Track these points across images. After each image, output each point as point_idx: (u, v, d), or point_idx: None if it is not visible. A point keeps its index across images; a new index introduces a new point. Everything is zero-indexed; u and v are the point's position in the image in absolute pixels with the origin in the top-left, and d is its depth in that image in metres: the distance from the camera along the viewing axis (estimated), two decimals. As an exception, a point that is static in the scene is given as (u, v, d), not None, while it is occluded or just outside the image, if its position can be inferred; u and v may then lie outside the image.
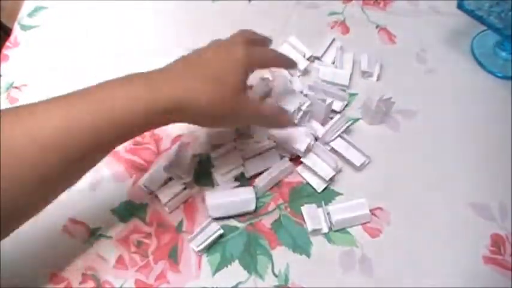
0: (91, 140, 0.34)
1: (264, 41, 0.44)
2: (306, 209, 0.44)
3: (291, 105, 0.45)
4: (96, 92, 0.35)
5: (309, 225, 0.43)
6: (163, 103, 0.35)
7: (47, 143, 0.32)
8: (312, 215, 0.43)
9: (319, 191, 0.45)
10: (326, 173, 0.45)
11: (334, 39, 0.55)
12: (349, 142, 0.47)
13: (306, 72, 0.53)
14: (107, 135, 0.34)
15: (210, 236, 0.42)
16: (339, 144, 0.47)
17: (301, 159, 0.45)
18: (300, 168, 0.46)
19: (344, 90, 0.51)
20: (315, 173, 0.45)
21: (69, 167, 0.34)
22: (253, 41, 0.42)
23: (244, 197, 0.44)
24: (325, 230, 0.43)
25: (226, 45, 0.39)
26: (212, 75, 0.37)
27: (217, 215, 0.43)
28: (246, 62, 0.38)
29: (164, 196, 0.44)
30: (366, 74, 0.53)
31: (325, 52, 0.54)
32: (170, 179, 0.46)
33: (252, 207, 0.44)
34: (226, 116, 0.38)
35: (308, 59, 0.54)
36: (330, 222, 0.43)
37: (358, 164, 0.46)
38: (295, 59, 0.52)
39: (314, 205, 0.44)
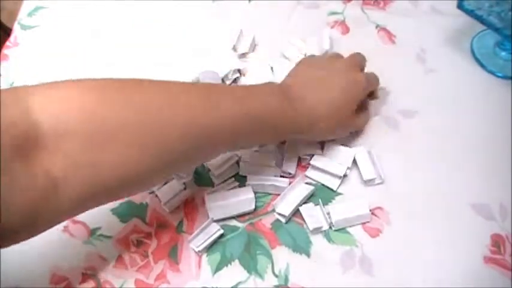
0: (229, 141, 0.38)
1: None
2: (305, 209, 0.44)
3: None
4: (259, 94, 0.39)
5: (309, 224, 0.42)
6: (300, 123, 0.40)
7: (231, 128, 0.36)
8: (311, 214, 0.43)
9: (334, 189, 0.45)
10: (339, 170, 0.45)
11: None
12: (371, 156, 0.46)
13: None
14: (245, 139, 0.39)
15: (210, 236, 0.42)
16: (360, 152, 0.46)
17: (310, 162, 0.45)
18: (309, 173, 0.46)
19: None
20: (326, 172, 0.45)
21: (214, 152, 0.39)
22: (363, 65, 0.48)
23: (244, 197, 0.44)
24: (326, 227, 0.43)
25: (347, 69, 0.44)
26: (335, 102, 0.41)
27: (218, 216, 0.43)
28: (366, 87, 0.44)
29: (164, 196, 0.44)
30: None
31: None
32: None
33: (252, 207, 0.44)
34: (343, 132, 0.45)
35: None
36: (330, 221, 0.43)
37: (365, 178, 0.45)
38: (297, 58, 0.52)
39: (311, 204, 0.44)
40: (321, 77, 0.43)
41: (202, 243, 0.42)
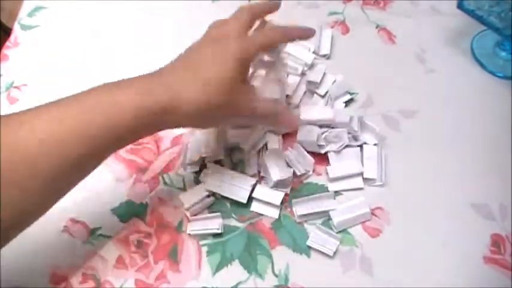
0: (83, 147, 0.33)
1: (267, 9, 0.42)
2: (314, 238, 0.42)
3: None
4: (84, 99, 0.35)
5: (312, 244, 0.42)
6: (150, 106, 0.34)
7: (38, 153, 0.32)
8: (321, 243, 0.42)
9: (362, 186, 0.45)
10: (357, 168, 0.45)
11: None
12: (380, 155, 0.46)
13: (312, 66, 0.53)
14: (98, 141, 0.34)
15: (208, 229, 0.42)
16: (370, 150, 0.46)
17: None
18: (332, 186, 0.46)
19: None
20: (347, 177, 0.45)
21: (63, 174, 0.34)
22: (253, 19, 0.40)
23: (241, 186, 0.44)
24: (331, 254, 0.42)
25: (219, 39, 0.38)
26: (202, 76, 0.36)
27: (212, 189, 0.44)
28: (240, 57, 0.37)
29: (187, 201, 0.44)
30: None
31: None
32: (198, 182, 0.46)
33: (244, 200, 0.44)
34: (217, 117, 0.38)
35: (313, 53, 0.54)
36: (333, 225, 0.43)
37: (365, 176, 0.45)
38: (301, 54, 0.52)
39: (321, 233, 0.42)
40: (187, 59, 0.38)
41: (198, 230, 0.42)
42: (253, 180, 0.44)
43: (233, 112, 0.38)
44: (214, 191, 0.44)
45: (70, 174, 0.34)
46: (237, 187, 0.44)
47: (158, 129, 0.37)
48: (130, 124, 0.34)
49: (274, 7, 0.43)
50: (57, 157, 0.33)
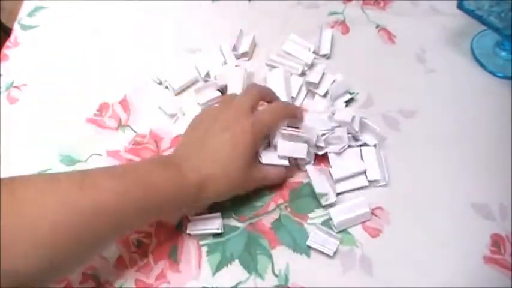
0: (114, 223, 0.35)
1: (269, 94, 0.47)
2: (314, 238, 0.42)
3: None
4: (130, 174, 0.37)
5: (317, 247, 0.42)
6: (187, 189, 0.39)
7: (62, 223, 0.32)
8: (321, 243, 0.42)
9: (367, 184, 0.45)
10: (359, 167, 0.45)
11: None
12: (379, 156, 0.46)
13: (312, 66, 0.53)
14: (133, 218, 0.37)
15: (207, 229, 0.42)
16: (370, 151, 0.46)
17: (332, 176, 0.45)
18: (338, 187, 0.45)
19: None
20: (350, 177, 0.45)
21: (82, 249, 0.35)
22: (258, 100, 0.45)
23: None
24: (331, 253, 0.42)
25: (231, 125, 0.42)
26: (220, 156, 0.40)
27: None
28: (253, 138, 0.41)
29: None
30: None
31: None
32: None
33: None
34: (238, 189, 0.42)
35: (313, 53, 0.54)
36: (333, 225, 0.43)
37: (369, 178, 0.45)
38: (301, 54, 0.53)
39: (321, 233, 0.42)
40: (204, 136, 0.42)
41: (198, 230, 0.42)
42: None
43: (247, 180, 0.42)
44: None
45: (83, 250, 0.35)
46: None
47: (187, 206, 0.42)
48: (170, 202, 0.39)
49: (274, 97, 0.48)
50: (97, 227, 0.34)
